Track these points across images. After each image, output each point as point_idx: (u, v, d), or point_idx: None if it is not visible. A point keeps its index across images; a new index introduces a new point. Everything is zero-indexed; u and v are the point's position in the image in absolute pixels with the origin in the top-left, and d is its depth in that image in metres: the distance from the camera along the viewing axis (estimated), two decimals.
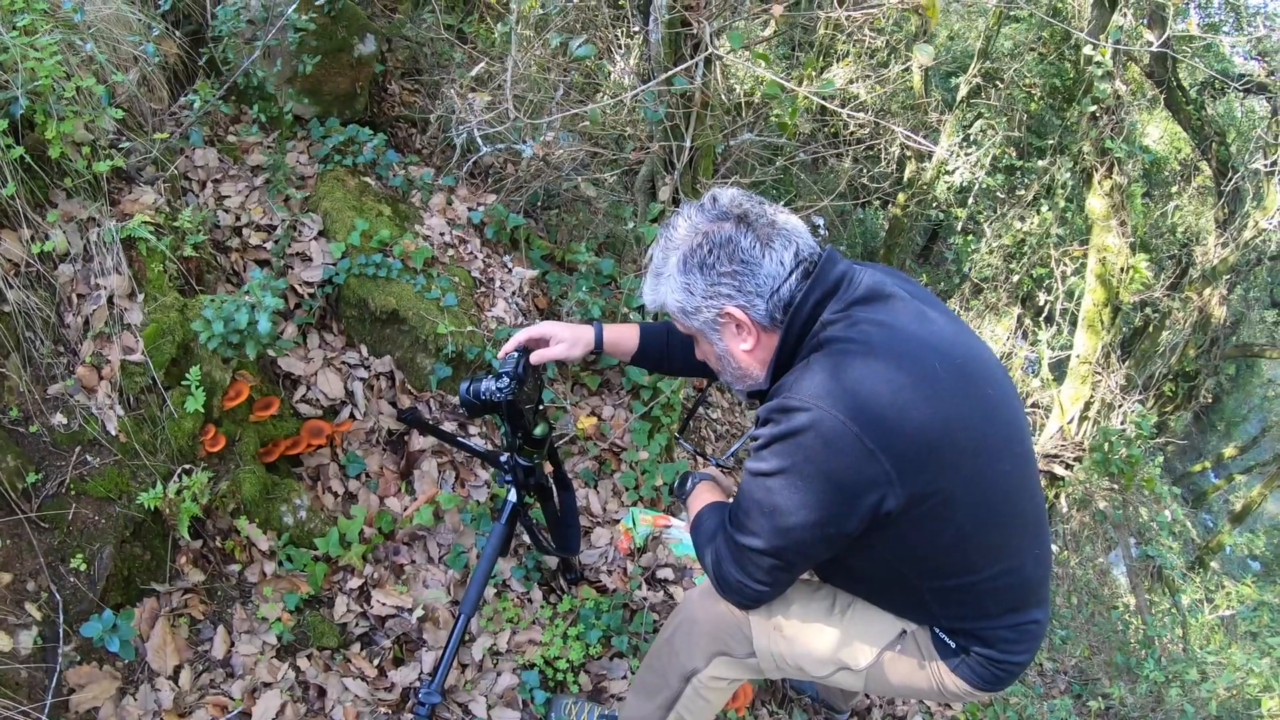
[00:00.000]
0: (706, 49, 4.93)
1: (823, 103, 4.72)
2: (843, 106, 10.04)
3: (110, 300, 4.12)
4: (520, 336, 3.62)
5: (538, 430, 3.84)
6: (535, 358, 3.57)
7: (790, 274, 2.68)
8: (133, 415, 4.07)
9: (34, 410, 3.95)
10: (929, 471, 2.51)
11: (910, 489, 2.49)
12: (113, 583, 3.86)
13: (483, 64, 4.77)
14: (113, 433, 4.00)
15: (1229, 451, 20.27)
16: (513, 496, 3.97)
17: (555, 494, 4.30)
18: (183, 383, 4.14)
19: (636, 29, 6.04)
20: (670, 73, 4.83)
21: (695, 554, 3.18)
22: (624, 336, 3.63)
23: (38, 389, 3.99)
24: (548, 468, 4.24)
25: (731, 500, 2.98)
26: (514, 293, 5.75)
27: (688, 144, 5.39)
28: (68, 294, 4.13)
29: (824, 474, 2.48)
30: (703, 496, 3.37)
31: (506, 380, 3.53)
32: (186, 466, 4.11)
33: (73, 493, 3.88)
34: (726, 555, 2.88)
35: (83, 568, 3.78)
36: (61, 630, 3.69)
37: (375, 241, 5.22)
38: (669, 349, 3.61)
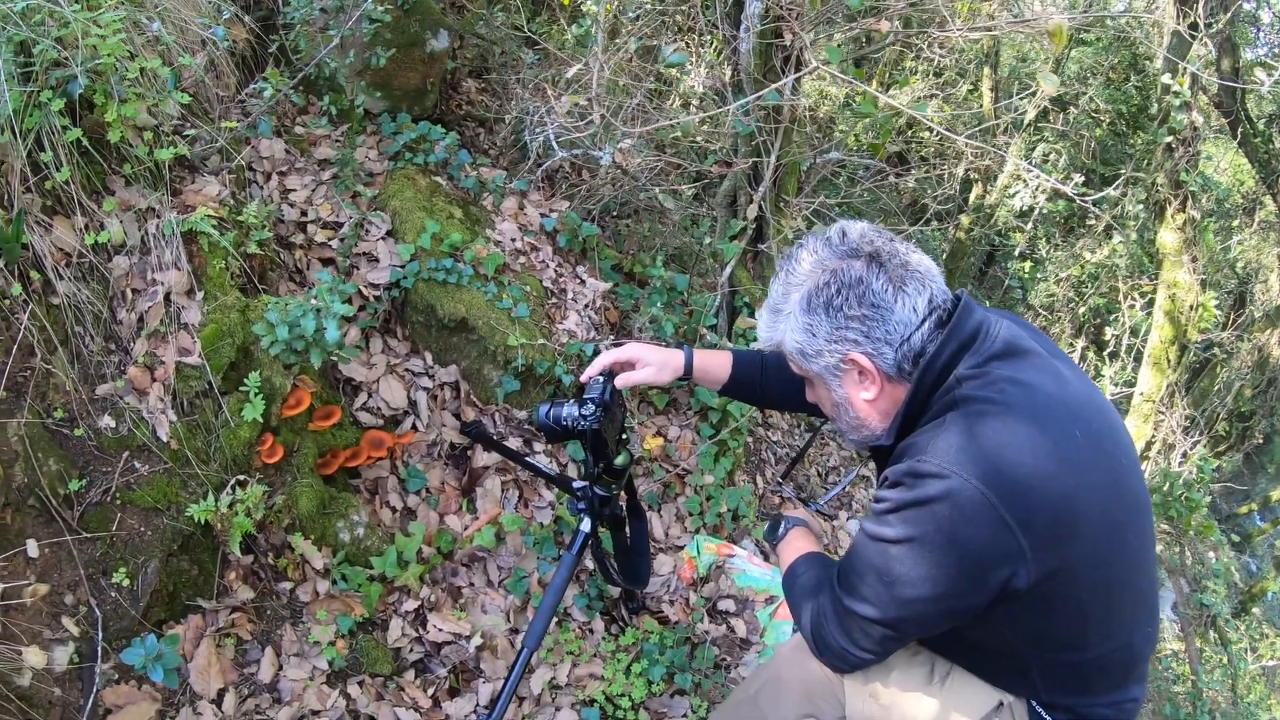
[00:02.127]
0: (805, 63, 4.60)
1: (929, 123, 4.35)
2: (909, 127, 9.76)
3: (167, 297, 3.82)
4: (606, 359, 3.35)
5: (619, 460, 3.55)
6: (621, 381, 3.30)
7: (923, 322, 2.42)
8: (186, 421, 3.78)
9: (80, 411, 3.66)
10: (1062, 546, 2.26)
11: (1042, 565, 2.24)
12: (156, 599, 3.58)
13: (578, 66, 4.43)
14: (164, 439, 3.71)
15: (1276, 494, 19.90)
16: (586, 526, 3.63)
17: (627, 523, 3.99)
18: (241, 388, 3.86)
19: (718, 36, 5.68)
20: (771, 87, 4.48)
21: (789, 608, 2.92)
22: (715, 364, 3.39)
23: (85, 389, 3.70)
24: (622, 497, 3.93)
25: (839, 558, 2.73)
26: (586, 305, 5.43)
27: (773, 160, 5.04)
28: (122, 288, 3.83)
29: (956, 546, 2.24)
30: (797, 544, 3.10)
31: (592, 407, 3.26)
32: (241, 478, 3.82)
33: (118, 501, 3.60)
34: (831, 618, 2.62)
35: (126, 583, 3.51)
36: (100, 647, 3.41)
37: (446, 245, 4.94)
38: (764, 380, 3.36)
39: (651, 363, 3.31)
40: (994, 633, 2.51)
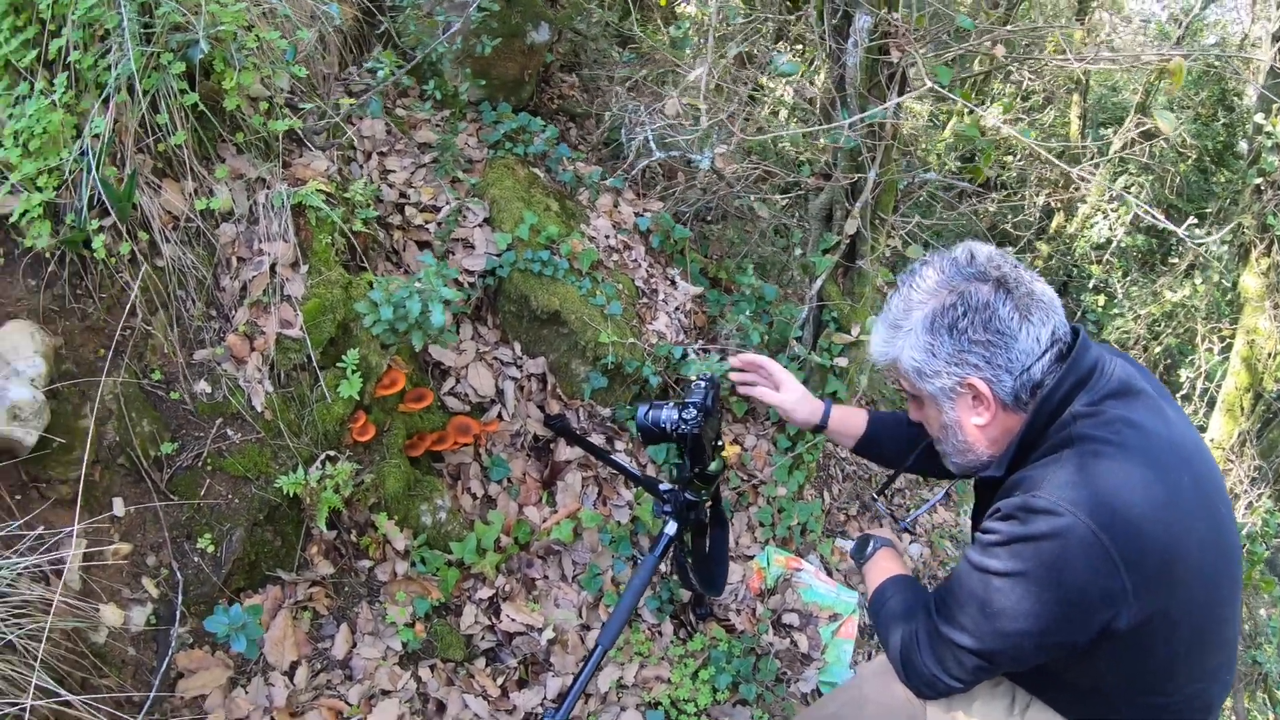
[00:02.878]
0: (910, 81, 4.51)
1: (1037, 150, 4.24)
2: (996, 149, 9.60)
3: (273, 268, 3.77)
4: (748, 357, 3.36)
5: (713, 466, 3.50)
6: (757, 394, 3.28)
7: (1044, 353, 2.37)
8: (281, 392, 3.74)
9: (177, 375, 3.63)
10: (1164, 591, 2.20)
11: (1144, 608, 2.18)
12: (238, 567, 3.55)
13: (701, 70, 4.35)
14: (258, 409, 3.68)
15: None
16: (670, 530, 3.57)
17: (708, 530, 3.93)
18: (338, 364, 3.80)
19: (818, 48, 5.57)
20: (887, 104, 4.39)
21: (876, 629, 2.87)
22: (851, 420, 3.35)
23: (184, 352, 3.66)
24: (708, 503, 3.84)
25: (939, 586, 2.66)
26: (677, 308, 5.33)
27: (872, 176, 4.93)
28: (227, 255, 3.79)
29: (1063, 584, 2.20)
30: (885, 565, 3.05)
31: (694, 412, 3.22)
32: (331, 453, 3.78)
33: (208, 467, 3.57)
34: (924, 644, 2.55)
35: (210, 549, 3.47)
36: (178, 611, 3.37)
37: (543, 237, 4.88)
38: (891, 443, 3.33)
39: (795, 392, 3.31)
40: (1084, 671, 2.44)
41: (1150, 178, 11.52)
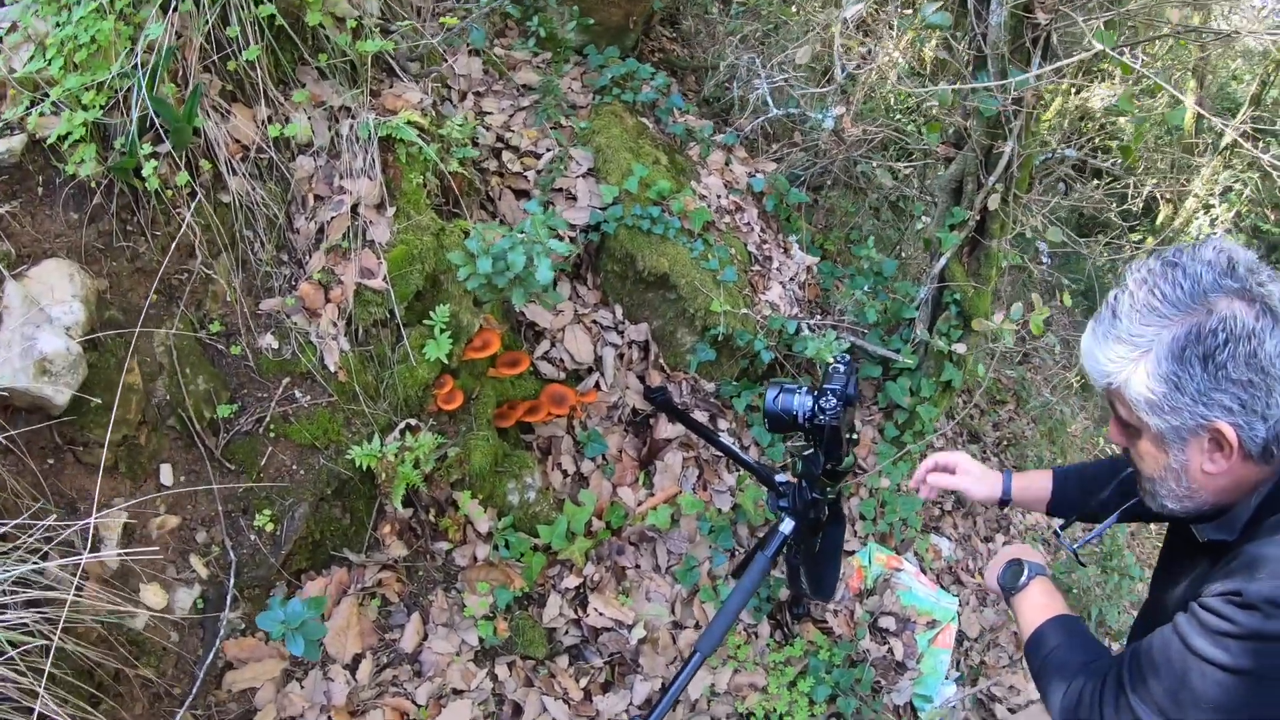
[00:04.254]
0: (1075, 47, 3.95)
1: (1203, 112, 3.66)
2: (1100, 130, 9.07)
3: (354, 209, 3.32)
4: (938, 459, 3.03)
5: (846, 462, 3.07)
6: (935, 481, 2.90)
7: None
8: (359, 351, 3.33)
9: (240, 326, 3.21)
10: None
11: None
12: (300, 546, 3.17)
13: (855, 8, 3.79)
14: (331, 369, 3.26)
15: None
16: (787, 527, 3.18)
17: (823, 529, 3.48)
18: (425, 321, 3.37)
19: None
20: (1039, 71, 3.80)
21: (1034, 677, 2.46)
22: (1036, 485, 3.00)
23: (249, 301, 3.25)
24: None
25: (1134, 652, 2.19)
26: (791, 278, 4.85)
27: (1013, 146, 4.35)
28: (303, 193, 3.35)
29: None
30: (1041, 601, 2.61)
31: (834, 401, 2.81)
32: (412, 422, 3.36)
33: (272, 434, 3.19)
34: (1109, 717, 2.12)
35: (269, 526, 3.09)
36: (230, 594, 3.00)
37: (653, 192, 4.37)
38: (1086, 497, 2.92)
39: (973, 473, 2.97)
40: None
41: (1258, 174, 10.91)
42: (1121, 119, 8.95)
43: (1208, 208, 10.44)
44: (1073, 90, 8.62)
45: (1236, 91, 11.85)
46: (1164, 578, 2.39)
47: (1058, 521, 2.79)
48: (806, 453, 3.02)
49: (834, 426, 2.82)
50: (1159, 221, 11.10)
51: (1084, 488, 2.91)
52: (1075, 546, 2.97)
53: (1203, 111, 3.40)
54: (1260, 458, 1.93)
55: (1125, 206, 9.58)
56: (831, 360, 3.00)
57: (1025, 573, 2.65)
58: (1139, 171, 9.33)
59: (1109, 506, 2.82)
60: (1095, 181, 9.33)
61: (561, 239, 4.09)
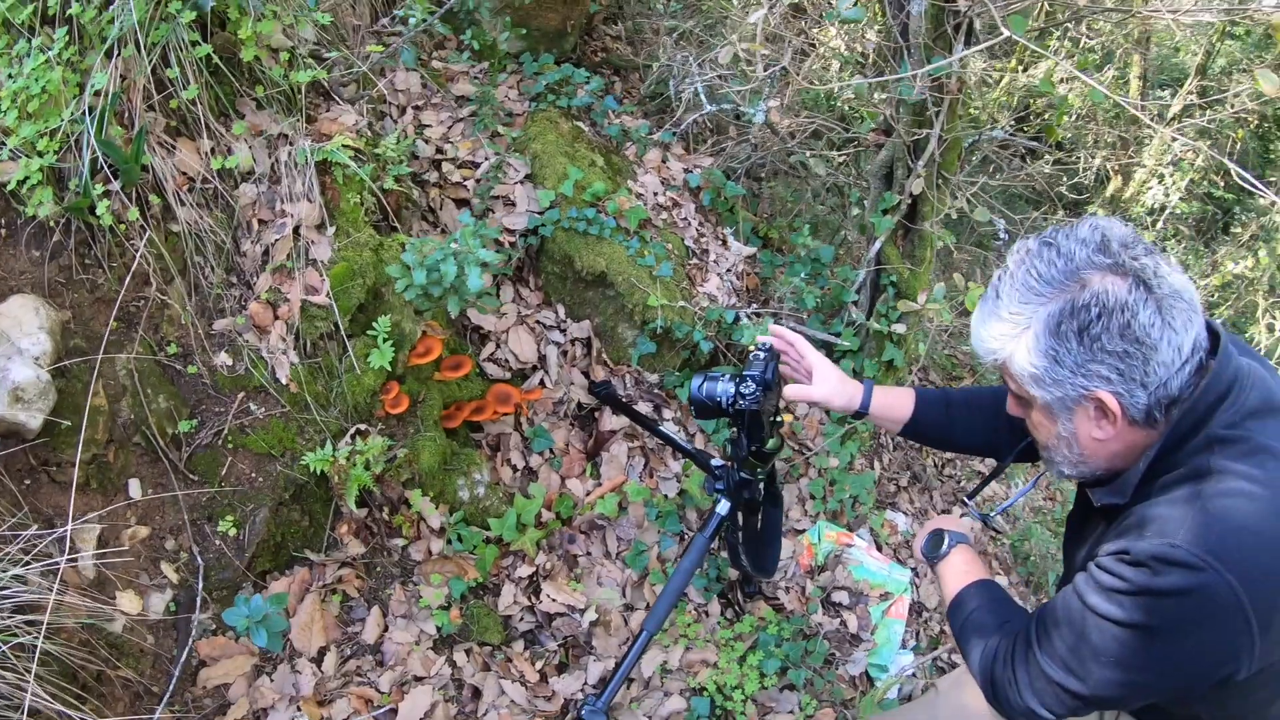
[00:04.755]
0: (987, 33, 4.18)
1: (1128, 107, 3.89)
2: (1046, 110, 9.27)
3: (296, 230, 3.56)
4: (791, 336, 3.05)
5: (771, 444, 3.22)
6: (791, 392, 2.98)
7: (1184, 365, 2.02)
8: (308, 363, 3.54)
9: (195, 347, 3.44)
10: None
11: (1265, 659, 1.95)
12: (262, 549, 3.41)
13: (763, 11, 4.03)
14: (283, 381, 3.48)
15: None
16: (723, 509, 3.35)
17: (761, 509, 3.67)
18: (368, 332, 3.60)
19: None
20: (952, 57, 4.06)
21: (956, 640, 2.60)
22: (896, 403, 3.02)
23: (202, 323, 3.48)
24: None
25: (1017, 605, 2.51)
26: (729, 269, 5.07)
27: (938, 132, 4.60)
28: (248, 218, 3.58)
29: (1193, 644, 1.96)
30: (963, 567, 2.76)
31: (753, 385, 2.93)
32: (361, 427, 3.59)
33: (230, 445, 3.40)
34: (1020, 675, 2.28)
35: (232, 531, 3.32)
36: (200, 596, 3.23)
37: (588, 194, 4.58)
38: (949, 423, 3.01)
39: (830, 380, 2.99)
40: (1186, 707, 2.27)
41: (1208, 143, 11.10)
42: (1073, 97, 9.17)
43: (1160, 178, 10.65)
44: (1019, 70, 8.85)
45: (1183, 62, 12.07)
46: (1072, 540, 2.52)
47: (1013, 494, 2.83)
48: (732, 437, 3.24)
49: (754, 411, 2.96)
50: (1109, 193, 11.30)
51: (951, 415, 2.99)
52: (991, 517, 3.17)
53: (1120, 99, 3.59)
54: (1145, 423, 2.06)
55: (1075, 180, 9.83)
56: (753, 347, 3.23)
57: (946, 541, 2.80)
58: (1089, 145, 9.55)
59: (955, 445, 3.07)
60: (1046, 158, 9.58)
61: (502, 245, 4.33)
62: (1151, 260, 2.01)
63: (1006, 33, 3.79)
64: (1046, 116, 9.75)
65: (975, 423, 2.88)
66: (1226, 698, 2.12)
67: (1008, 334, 2.12)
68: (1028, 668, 2.24)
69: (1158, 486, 2.07)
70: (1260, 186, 3.67)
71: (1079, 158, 9.84)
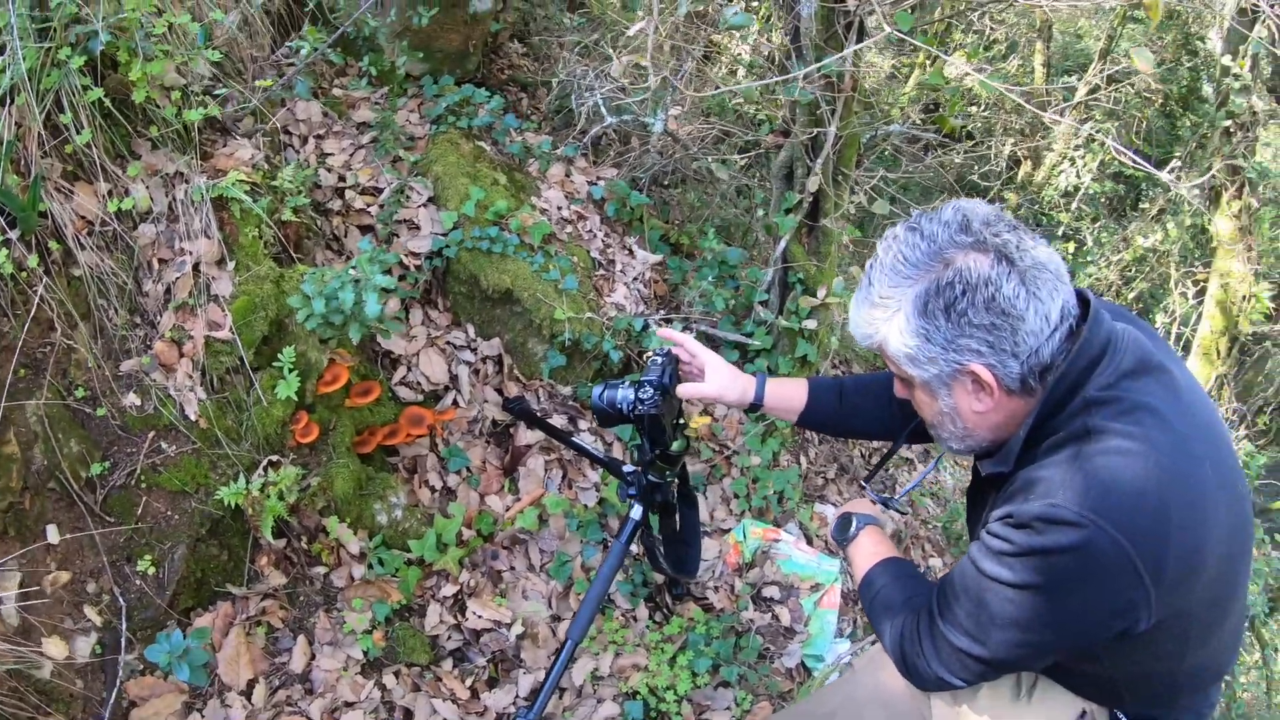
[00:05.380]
0: (869, 30, 4.30)
1: (1010, 96, 4.03)
2: (961, 99, 9.44)
3: (196, 268, 3.61)
4: (679, 337, 3.13)
5: (675, 446, 3.30)
6: (682, 391, 3.06)
7: (1054, 332, 2.09)
8: (216, 399, 3.58)
9: (103, 389, 3.47)
10: (1185, 592, 2.05)
11: (1163, 610, 2.02)
12: (183, 586, 3.44)
13: (641, 24, 4.13)
14: (192, 418, 3.51)
15: None
16: (636, 514, 3.44)
17: (677, 511, 3.77)
18: (274, 364, 3.65)
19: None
20: (842, 53, 4.19)
21: (869, 619, 2.68)
22: (789, 394, 3.10)
23: (109, 365, 3.49)
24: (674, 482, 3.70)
25: (925, 579, 2.51)
26: (635, 278, 5.18)
27: (834, 131, 4.73)
28: (148, 258, 3.61)
29: (1084, 598, 2.02)
30: (871, 548, 2.83)
31: (650, 391, 3.01)
32: (274, 458, 3.64)
33: (143, 484, 3.43)
34: (926, 646, 2.36)
35: (150, 570, 3.36)
36: (124, 637, 3.28)
37: (491, 213, 4.67)
38: (842, 409, 3.08)
39: (722, 375, 3.06)
40: (1095, 661, 2.31)
41: (1116, 123, 11.37)
42: (978, 88, 9.36)
43: (1071, 161, 10.88)
44: (928, 65, 9.04)
45: (1087, 48, 12.33)
46: (971, 514, 2.61)
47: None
48: (635, 442, 3.33)
49: (654, 415, 3.02)
50: (1020, 179, 11.53)
51: (845, 402, 3.06)
52: (895, 501, 3.27)
53: (1002, 88, 3.73)
54: (1021, 391, 2.14)
55: (987, 168, 10.05)
56: (650, 354, 3.33)
57: (854, 524, 2.87)
58: (998, 133, 9.76)
59: (851, 431, 3.15)
60: (959, 147, 9.78)
61: (406, 268, 4.42)
62: (1014, 236, 2.09)
63: (888, 30, 3.94)
64: (958, 107, 9.98)
65: (869, 408, 2.95)
66: (1133, 651, 2.17)
67: (880, 318, 2.20)
68: (933, 639, 2.31)
69: (1040, 451, 2.13)
70: (1147, 165, 3.83)
71: (989, 146, 10.06)
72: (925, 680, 2.39)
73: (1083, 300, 2.17)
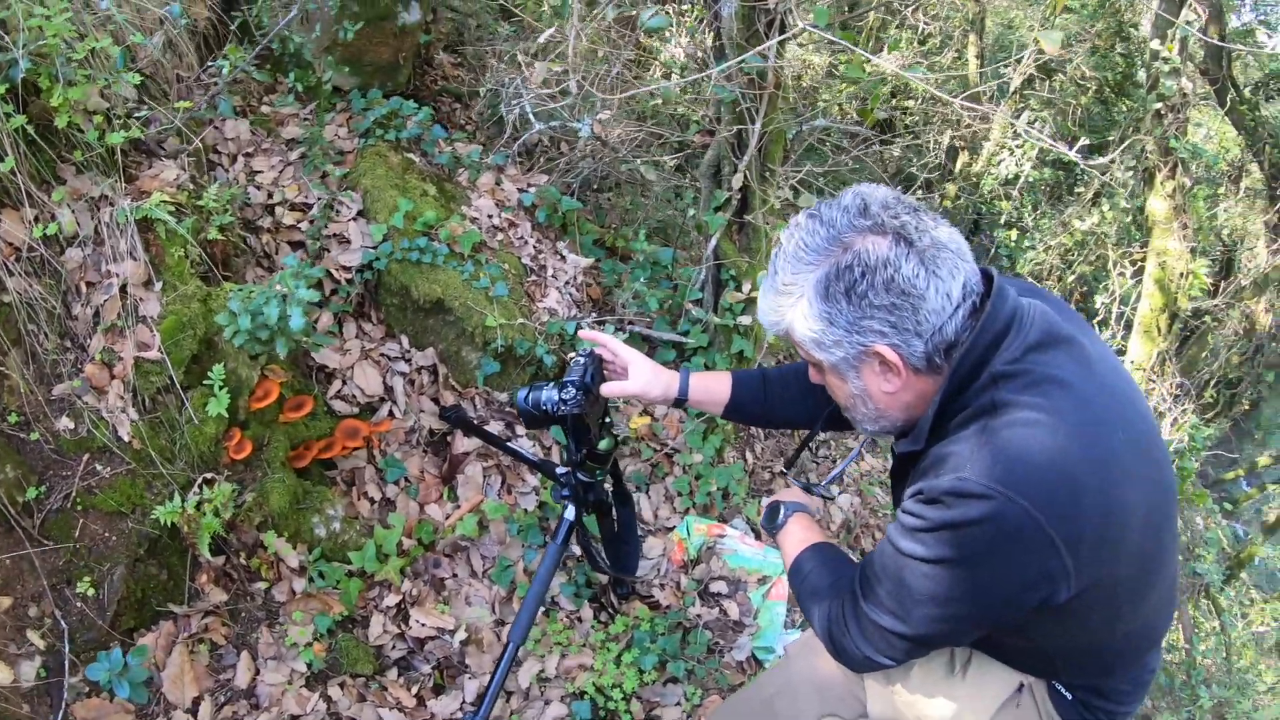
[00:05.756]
0: (790, 25, 4.38)
1: (925, 88, 4.12)
2: (893, 95, 9.55)
3: (124, 289, 3.63)
4: (601, 338, 3.16)
5: (603, 444, 3.33)
6: (607, 389, 3.09)
7: (956, 309, 2.12)
8: (148, 419, 3.60)
9: (36, 414, 3.49)
10: (1103, 561, 2.06)
11: (1084, 580, 2.04)
12: (124, 606, 3.45)
13: (551, 30, 4.20)
14: (125, 439, 3.53)
15: (1263, 460, 20.09)
16: (570, 514, 3.44)
17: (613, 509, 3.80)
18: (205, 382, 3.66)
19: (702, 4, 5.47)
20: (754, 50, 4.25)
21: (799, 605, 2.78)
22: (713, 387, 3.14)
23: (41, 390, 3.52)
24: (607, 481, 3.72)
25: (852, 553, 2.48)
26: (567, 282, 5.24)
27: (758, 128, 4.82)
28: (76, 282, 3.64)
29: (998, 570, 2.05)
30: (800, 536, 2.84)
31: (573, 390, 3.03)
32: (208, 476, 3.65)
33: (80, 507, 3.45)
34: (852, 627, 2.38)
35: (91, 592, 3.37)
36: (67, 660, 3.29)
37: (419, 224, 4.73)
38: (767, 399, 3.11)
39: (644, 372, 3.09)
40: (1023, 635, 2.37)
41: (1053, 111, 11.53)
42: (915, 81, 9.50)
43: (1010, 150, 11.02)
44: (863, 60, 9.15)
45: (1021, 37, 12.49)
46: (894, 495, 2.59)
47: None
48: (563, 443, 3.38)
49: (577, 414, 3.04)
50: (958, 168, 11.67)
51: (769, 392, 3.10)
52: (819, 487, 3.30)
53: (919, 79, 3.81)
54: (928, 370, 2.18)
55: (926, 159, 10.17)
56: (572, 355, 3.39)
57: (783, 512, 2.91)
58: (937, 124, 9.89)
59: (775, 421, 3.17)
60: (898, 140, 9.90)
61: (338, 282, 4.46)
62: (913, 218, 2.12)
63: (801, 24, 4.01)
64: (894, 101, 10.11)
65: (792, 396, 2.98)
66: (1061, 622, 2.21)
67: (785, 304, 2.24)
68: (858, 619, 2.33)
69: (950, 428, 2.16)
70: (1070, 151, 3.92)
71: (927, 138, 10.20)
72: (854, 661, 2.42)
73: (987, 278, 2.21)
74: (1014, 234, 12.02)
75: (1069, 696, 2.54)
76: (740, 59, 4.28)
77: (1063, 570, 1.99)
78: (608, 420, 3.42)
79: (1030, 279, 11.69)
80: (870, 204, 2.16)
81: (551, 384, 3.09)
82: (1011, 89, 10.88)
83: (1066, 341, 2.18)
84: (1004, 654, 2.55)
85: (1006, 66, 10.64)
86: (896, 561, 2.18)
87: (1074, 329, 2.24)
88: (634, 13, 5.46)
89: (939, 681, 2.64)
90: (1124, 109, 11.21)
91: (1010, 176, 11.26)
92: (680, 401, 3.13)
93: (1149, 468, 2.15)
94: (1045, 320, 2.19)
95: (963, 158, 11.81)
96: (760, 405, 3.13)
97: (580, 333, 3.23)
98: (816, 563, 2.67)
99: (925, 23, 9.62)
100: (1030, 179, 11.49)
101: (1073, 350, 2.17)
